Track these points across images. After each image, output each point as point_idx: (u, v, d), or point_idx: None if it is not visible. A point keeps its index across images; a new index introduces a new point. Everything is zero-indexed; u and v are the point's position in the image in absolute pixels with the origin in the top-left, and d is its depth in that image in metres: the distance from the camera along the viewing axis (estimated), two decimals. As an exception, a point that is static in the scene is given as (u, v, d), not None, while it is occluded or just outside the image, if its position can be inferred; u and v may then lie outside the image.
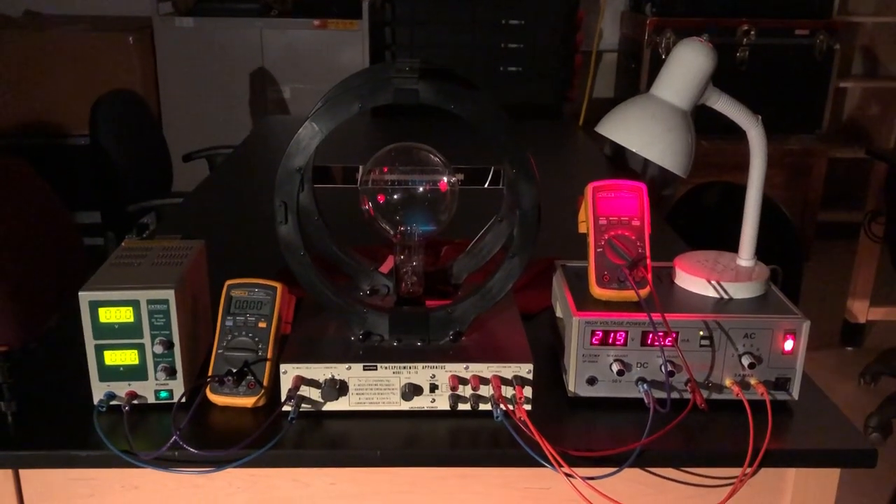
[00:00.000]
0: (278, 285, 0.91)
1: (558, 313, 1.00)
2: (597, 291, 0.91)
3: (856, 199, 3.66)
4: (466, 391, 0.87)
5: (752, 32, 3.32)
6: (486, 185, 1.14)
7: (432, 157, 0.95)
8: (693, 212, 1.63)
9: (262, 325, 0.90)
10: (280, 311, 0.91)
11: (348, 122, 0.87)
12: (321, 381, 0.86)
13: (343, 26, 3.18)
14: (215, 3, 3.19)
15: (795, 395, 0.90)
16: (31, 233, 1.62)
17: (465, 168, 1.06)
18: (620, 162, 1.98)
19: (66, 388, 0.93)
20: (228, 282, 0.92)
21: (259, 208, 1.63)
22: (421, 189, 0.94)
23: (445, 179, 0.94)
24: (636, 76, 3.43)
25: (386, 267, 1.02)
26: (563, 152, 2.33)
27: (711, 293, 0.94)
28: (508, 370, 0.86)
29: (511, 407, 0.85)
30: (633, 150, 0.89)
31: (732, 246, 1.04)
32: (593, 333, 0.88)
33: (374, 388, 0.87)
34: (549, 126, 2.74)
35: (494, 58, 3.24)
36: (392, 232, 0.95)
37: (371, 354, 0.88)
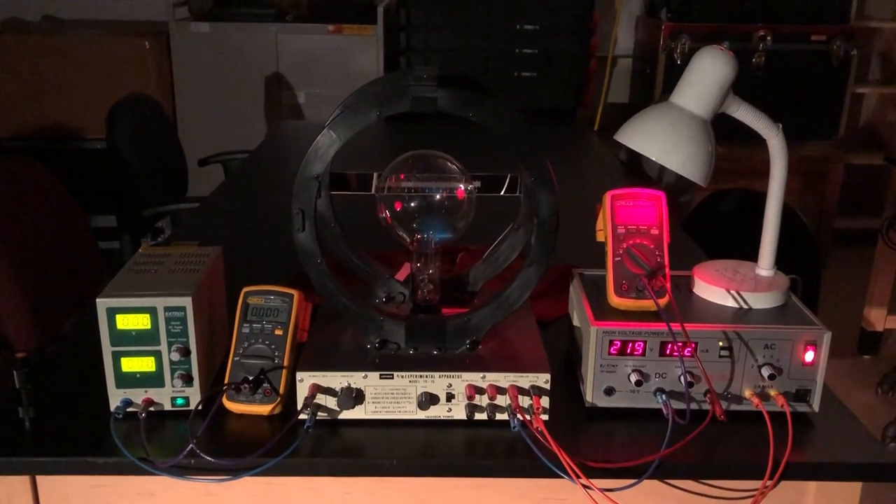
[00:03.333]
0: (295, 292, 0.91)
1: (575, 322, 0.99)
2: (615, 301, 0.91)
3: (873, 205, 3.63)
4: (483, 401, 0.86)
5: (769, 38, 3.30)
6: (502, 193, 1.13)
7: (449, 164, 0.94)
8: (710, 219, 1.62)
9: (279, 332, 0.90)
10: (296, 319, 0.91)
11: (366, 130, 0.86)
12: (337, 389, 0.86)
13: (358, 31, 3.19)
14: (231, 8, 3.20)
15: (816, 407, 0.89)
16: (46, 236, 1.62)
17: (481, 175, 1.06)
18: (636, 168, 1.97)
19: (83, 395, 0.93)
20: (245, 289, 0.92)
21: (275, 214, 1.63)
22: (438, 197, 0.93)
23: (463, 187, 0.93)
24: (651, 82, 3.42)
25: (402, 274, 1.01)
26: (578, 158, 2.32)
27: (731, 303, 0.93)
28: (525, 380, 0.86)
29: (528, 417, 0.84)
30: (653, 160, 0.89)
31: (751, 254, 1.03)
32: (611, 343, 0.88)
33: (390, 396, 0.86)
34: (563, 131, 2.73)
35: (509, 63, 3.24)
36: (409, 239, 0.95)
37: (387, 363, 0.88)
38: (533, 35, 3.23)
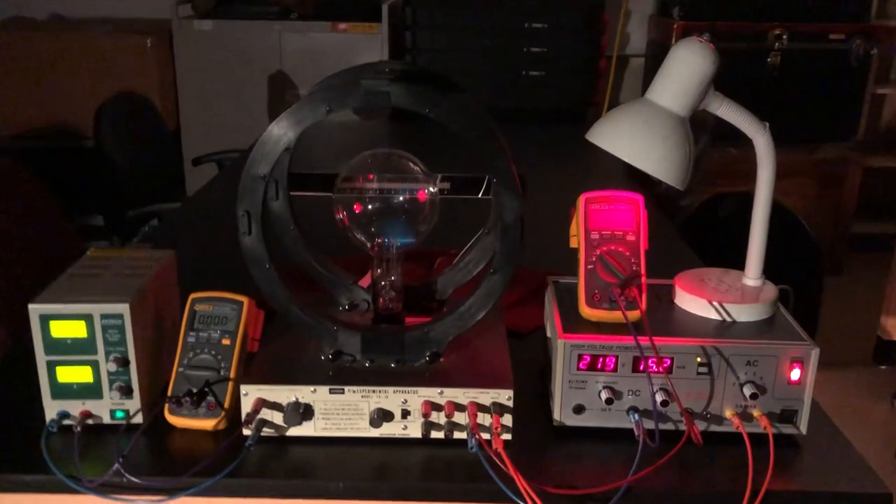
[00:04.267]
0: (245, 299, 0.86)
1: (548, 332, 0.93)
2: (586, 311, 0.84)
3: (893, 210, 3.52)
4: (440, 418, 0.80)
5: (785, 37, 3.21)
6: (479, 195, 1.07)
7: (411, 164, 0.89)
8: (708, 224, 1.55)
9: (226, 341, 0.84)
10: (246, 328, 0.85)
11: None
12: (284, 404, 0.80)
13: (362, 30, 3.14)
14: (234, 6, 3.16)
15: (803, 428, 0.82)
16: (25, 237, 1.58)
17: (457, 177, 1.00)
18: (638, 171, 1.91)
19: (23, 405, 0.87)
20: (192, 295, 0.87)
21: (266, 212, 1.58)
22: (399, 199, 0.87)
23: (424, 189, 0.87)
24: (663, 81, 3.33)
25: (366, 281, 0.96)
26: (584, 159, 2.25)
27: (713, 315, 0.86)
28: (486, 396, 0.80)
29: (488, 436, 0.78)
30: (628, 160, 0.82)
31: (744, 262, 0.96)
32: (580, 357, 0.81)
33: (341, 412, 0.81)
34: (571, 132, 2.66)
35: (517, 62, 3.17)
36: (368, 244, 0.89)
37: (339, 376, 0.82)
38: (541, 34, 3.16)
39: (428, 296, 0.96)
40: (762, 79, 3.21)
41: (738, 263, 1.00)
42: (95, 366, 0.81)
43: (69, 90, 3.10)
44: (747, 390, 0.80)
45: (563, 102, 3.19)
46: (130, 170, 2.06)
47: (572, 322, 0.84)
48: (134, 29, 3.23)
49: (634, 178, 1.96)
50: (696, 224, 1.59)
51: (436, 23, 3.11)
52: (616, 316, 0.84)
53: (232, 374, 0.83)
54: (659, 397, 0.80)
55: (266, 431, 0.80)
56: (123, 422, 0.82)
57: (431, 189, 0.88)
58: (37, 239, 1.63)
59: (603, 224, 0.86)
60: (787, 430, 0.82)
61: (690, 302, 0.88)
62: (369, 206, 0.87)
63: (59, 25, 3.35)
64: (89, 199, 2.20)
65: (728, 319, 0.86)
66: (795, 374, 0.80)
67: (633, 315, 0.82)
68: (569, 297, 0.90)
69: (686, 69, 0.81)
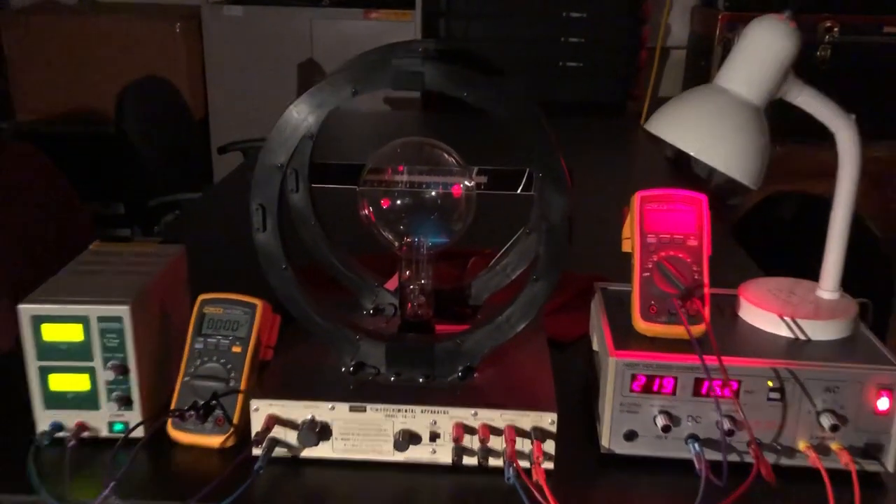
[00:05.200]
0: (259, 302, 0.77)
1: (595, 345, 0.83)
2: (641, 325, 0.75)
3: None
4: (474, 443, 0.71)
5: (836, 30, 3.06)
6: (518, 191, 0.98)
7: (446, 156, 0.79)
8: (764, 226, 1.43)
9: (237, 349, 0.76)
10: (259, 334, 0.77)
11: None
12: (299, 421, 0.71)
13: (395, 17, 3.05)
14: (265, -8, 3.09)
15: (890, 465, 0.72)
16: (38, 226, 1.52)
17: (494, 170, 0.90)
18: (683, 167, 1.80)
19: (15, 414, 0.80)
20: (201, 296, 0.78)
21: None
22: (431, 194, 0.78)
23: (460, 183, 0.78)
24: (706, 74, 3.20)
25: (393, 283, 0.87)
26: (622, 154, 2.14)
27: (784, 332, 0.76)
28: (526, 419, 0.70)
29: (527, 465, 0.69)
30: (691, 155, 0.72)
31: (811, 270, 0.86)
32: (634, 378, 0.72)
33: (362, 433, 0.72)
34: (610, 125, 2.55)
35: (555, 52, 3.06)
36: (396, 243, 0.80)
37: (361, 392, 0.73)
38: (580, 24, 3.05)
39: (461, 301, 0.87)
40: (811, 73, 3.06)
41: (798, 271, 0.89)
42: (92, 373, 0.73)
43: (96, 75, 3.04)
44: (825, 420, 0.70)
45: (601, 95, 3.07)
46: (153, 157, 1.99)
47: (624, 337, 0.75)
48: (163, 14, 3.16)
49: (680, 174, 1.85)
50: (747, 226, 1.48)
51: (471, 10, 3.01)
52: (675, 331, 0.74)
53: (242, 386, 0.75)
54: (724, 426, 0.70)
55: (278, 452, 0.72)
56: (122, 435, 0.74)
57: (467, 183, 0.79)
58: (53, 229, 1.57)
59: (661, 226, 0.77)
60: (871, 466, 0.72)
61: (758, 316, 0.78)
62: (398, 202, 0.78)
63: (88, 9, 3.30)
64: (111, 186, 2.14)
65: (802, 337, 0.76)
66: (883, 404, 0.70)
67: (697, 330, 0.72)
68: (620, 308, 0.80)
69: (763, 51, 0.71)
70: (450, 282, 1.04)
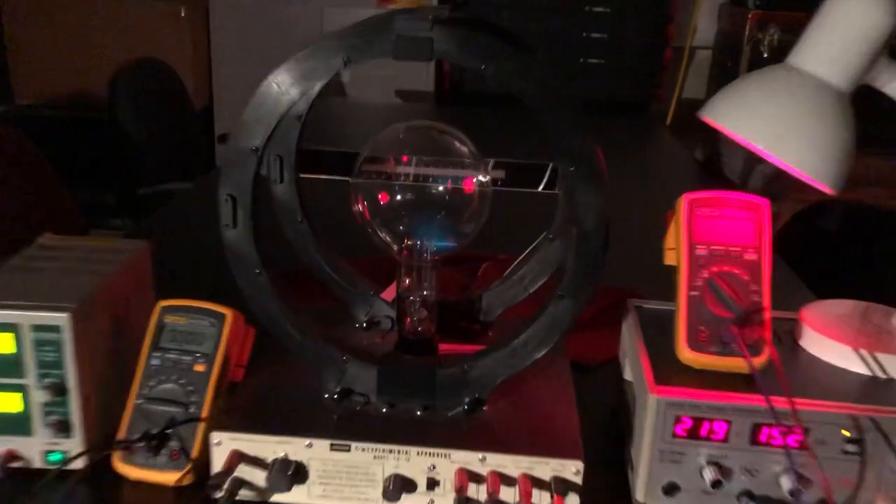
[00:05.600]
0: (228, 312, 0.65)
1: (627, 375, 0.71)
2: (687, 355, 0.62)
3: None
4: (481, 493, 0.58)
5: None
6: (540, 189, 0.85)
7: (458, 144, 0.67)
8: (806, 238, 1.30)
9: (200, 367, 0.63)
10: (227, 350, 0.64)
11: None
12: (269, 460, 0.59)
13: (410, 5, 2.92)
14: (275, -23, 2.97)
15: None
16: (14, 210, 1.40)
17: (514, 164, 0.78)
18: (715, 169, 1.66)
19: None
20: (162, 302, 0.66)
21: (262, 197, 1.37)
22: (439, 188, 0.65)
23: (473, 177, 0.65)
24: (732, 76, 3.05)
25: (390, 293, 0.74)
26: (646, 156, 2.01)
27: (860, 368, 0.63)
28: (545, 467, 0.58)
29: (545, 524, 0.56)
30: (760, 149, 0.59)
31: (864, 288, 0.73)
32: (678, 420, 0.59)
33: (345, 477, 0.59)
34: (631, 126, 2.42)
35: (576, 48, 2.94)
36: (395, 246, 0.67)
37: (346, 426, 0.60)
38: (603, 19, 2.92)
39: (469, 315, 0.74)
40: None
41: (848, 289, 0.77)
42: (25, 392, 0.61)
43: (99, 60, 2.93)
44: (914, 481, 0.57)
45: (623, 94, 2.94)
46: (147, 144, 1.87)
47: (666, 368, 0.62)
48: (168, -3, 3.05)
49: (710, 178, 1.72)
50: (788, 238, 1.34)
51: (490, 3, 2.89)
52: (728, 363, 0.61)
53: (204, 413, 0.62)
54: (788, 482, 0.57)
55: (244, 494, 0.59)
56: (58, 467, 0.62)
57: (481, 178, 0.66)
58: (31, 214, 1.45)
59: (714, 236, 0.64)
60: (967, 538, 0.58)
61: (826, 348, 0.65)
62: (398, 197, 0.65)
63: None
64: (111, 174, 2.03)
65: (882, 376, 0.62)
66: None
67: (757, 362, 0.59)
68: (658, 332, 0.67)
69: (853, 24, 0.58)
70: (457, 292, 0.91)
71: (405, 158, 0.67)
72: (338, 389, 0.63)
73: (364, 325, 0.74)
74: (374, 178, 0.65)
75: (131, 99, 1.83)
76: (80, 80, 2.96)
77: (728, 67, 3.16)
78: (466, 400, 0.62)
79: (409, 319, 0.68)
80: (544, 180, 0.81)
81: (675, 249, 0.65)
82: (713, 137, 1.73)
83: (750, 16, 2.94)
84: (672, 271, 0.66)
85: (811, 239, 1.27)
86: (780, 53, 2.88)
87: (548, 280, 0.72)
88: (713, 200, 0.65)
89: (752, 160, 1.48)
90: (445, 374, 0.62)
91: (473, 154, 0.66)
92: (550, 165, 0.79)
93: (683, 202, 0.65)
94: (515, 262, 0.74)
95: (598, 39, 2.92)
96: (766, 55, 2.91)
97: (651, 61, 2.97)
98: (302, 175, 0.72)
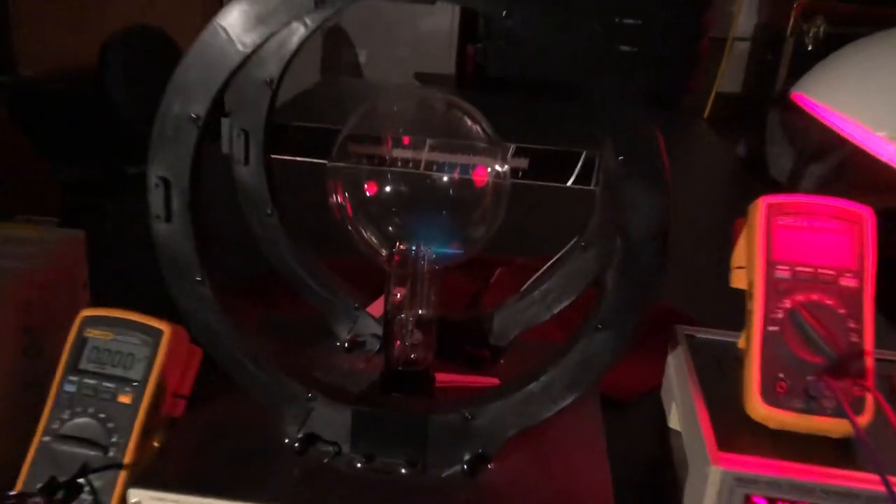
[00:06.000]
0: (166, 328, 0.50)
1: (674, 423, 0.56)
2: (761, 410, 0.47)
3: None
4: (480, 588, 0.44)
5: None
6: (569, 183, 0.70)
7: (469, 123, 0.52)
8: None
9: (125, 399, 0.49)
10: (162, 376, 0.50)
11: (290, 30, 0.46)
12: (203, 530, 0.45)
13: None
14: (292, -51, 2.82)
15: None
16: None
17: (540, 151, 0.63)
18: (758, 167, 1.50)
19: None
20: (84, 312, 0.52)
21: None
22: (443, 179, 0.51)
23: (487, 165, 0.50)
24: (772, 69, 2.89)
25: (379, 307, 0.59)
26: (682, 151, 1.85)
27: None
28: (568, 557, 0.43)
29: None
30: (884, 135, 0.44)
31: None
32: (748, 501, 0.44)
33: (301, 556, 0.45)
34: (664, 118, 2.25)
35: (606, 33, 2.76)
36: (384, 251, 0.52)
37: (307, 487, 0.46)
38: (636, 4, 2.74)
39: (476, 337, 0.60)
40: None
41: None
42: None
43: (107, 33, 2.80)
44: None
45: (655, 84, 2.77)
46: (138, 119, 1.73)
47: (731, 425, 0.47)
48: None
49: (753, 177, 1.56)
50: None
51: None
52: (817, 424, 0.46)
53: (127, 458, 0.48)
54: None
55: (169, 573, 0.45)
56: (-62, 522, 0.48)
57: (499, 167, 0.51)
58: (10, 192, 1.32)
59: (800, 254, 0.48)
60: None
61: (941, 404, 0.50)
62: (389, 188, 0.51)
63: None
64: (97, 150, 1.90)
65: None
66: None
67: (861, 422, 0.44)
68: (717, 372, 0.52)
69: None
70: (462, 305, 0.77)
71: (407, 140, 0.52)
72: (300, 436, 0.48)
73: (346, 345, 0.60)
74: (359, 163, 0.51)
75: (121, 70, 1.69)
76: (86, 54, 2.83)
77: (768, 61, 2.98)
78: (466, 457, 0.47)
79: (398, 343, 0.53)
80: (575, 172, 0.65)
81: (746, 269, 0.50)
82: (757, 132, 1.57)
83: (795, 5, 2.76)
84: (741, 297, 0.51)
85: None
86: (825, 47, 2.69)
87: (577, 298, 0.57)
88: (801, 207, 0.49)
89: (805, 157, 1.32)
90: (441, 422, 0.47)
91: (490, 136, 0.51)
92: (584, 154, 0.63)
93: (760, 208, 0.50)
94: (538, 274, 0.59)
95: (630, 25, 2.75)
96: (810, 48, 2.73)
97: (686, 52, 2.80)
98: (274, 156, 0.58)
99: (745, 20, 3.25)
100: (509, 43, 2.72)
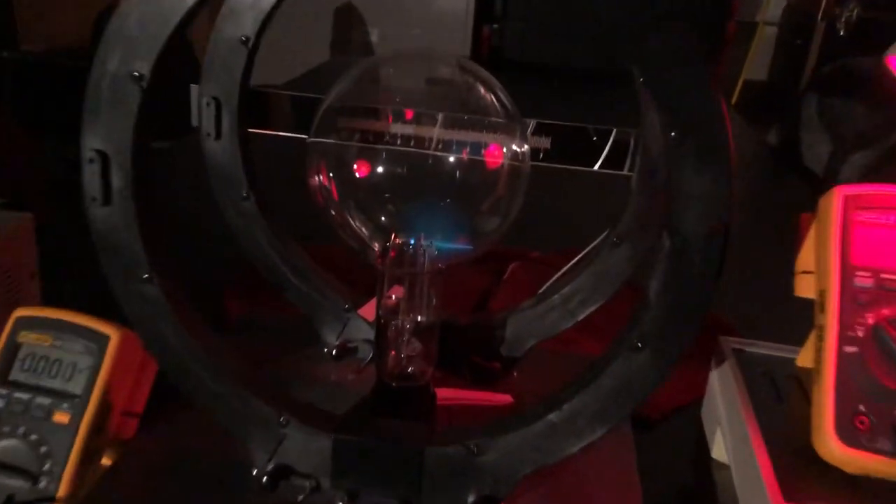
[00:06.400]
0: (114, 332, 0.42)
1: (719, 453, 0.47)
2: (836, 450, 0.38)
3: None
4: None
5: None
6: (596, 167, 0.62)
7: (482, 90, 0.43)
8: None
9: (62, 417, 0.41)
10: (107, 391, 0.42)
11: None
12: (145, 585, 0.36)
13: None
14: (303, -77, 2.72)
15: None
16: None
17: (564, 127, 0.55)
18: (791, 156, 1.41)
19: None
20: (18, 311, 0.43)
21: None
22: (450, 160, 0.42)
23: (503, 144, 0.42)
24: (801, 55, 2.77)
25: (371, 309, 0.51)
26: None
27: None
28: None
29: None
30: None
31: None
32: (821, 566, 0.35)
33: None
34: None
35: (626, 13, 2.66)
36: (376, 245, 0.44)
37: (275, 532, 0.38)
38: (660, -16, 2.63)
39: (486, 345, 0.51)
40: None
41: None
42: None
43: (103, 6, 2.72)
44: None
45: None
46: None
47: (797, 468, 0.38)
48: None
49: (786, 167, 1.45)
50: None
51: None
52: (905, 471, 0.37)
53: (62, 490, 0.40)
54: None
55: None
56: None
57: (516, 147, 0.42)
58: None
59: (884, 258, 0.39)
60: None
61: None
62: (383, 169, 0.42)
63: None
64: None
65: None
66: None
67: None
68: (772, 395, 0.44)
69: None
70: (469, 306, 0.68)
71: (410, 115, 0.43)
72: (270, 467, 0.40)
73: (334, 351, 0.51)
74: (347, 139, 0.42)
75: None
76: (88, 28, 2.76)
77: (797, 46, 2.86)
78: (471, 499, 0.39)
79: (391, 355, 0.45)
80: (604, 153, 0.57)
81: (816, 275, 0.41)
82: (791, 119, 1.48)
83: (826, -11, 2.65)
84: (806, 304, 0.42)
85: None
86: (858, 32, 2.54)
87: (607, 303, 0.48)
88: (885, 200, 0.40)
89: (847, 146, 1.23)
90: (441, 456, 0.39)
91: (508, 109, 0.42)
92: (614, 132, 0.55)
93: (834, 201, 0.41)
94: (560, 273, 0.51)
95: (653, 2, 2.64)
96: (842, 33, 2.61)
97: (712, 35, 2.68)
98: (251, 130, 0.49)
99: (774, 3, 3.13)
100: (527, 23, 2.63)
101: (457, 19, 2.74)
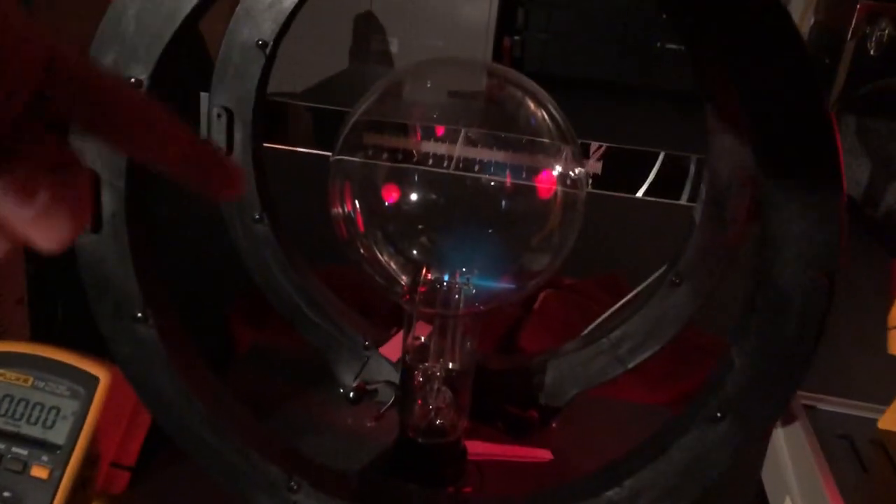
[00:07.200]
0: (104, 373, 0.37)
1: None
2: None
3: None
4: None
5: None
6: (640, 194, 0.57)
7: (532, 107, 0.37)
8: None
9: (41, 472, 0.36)
10: (94, 442, 0.36)
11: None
12: None
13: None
14: (325, -71, 2.69)
15: None
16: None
17: (622, 151, 0.50)
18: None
19: None
20: (-4, 346, 0.38)
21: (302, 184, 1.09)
22: (494, 186, 0.36)
23: (554, 169, 0.36)
24: (830, 74, 2.70)
25: (395, 347, 0.45)
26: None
27: None
28: None
29: None
30: None
31: None
32: None
33: None
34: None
35: (650, 31, 2.61)
36: (404, 280, 0.38)
37: None
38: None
39: (522, 392, 0.45)
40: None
41: None
42: None
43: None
44: None
45: (704, 85, 2.61)
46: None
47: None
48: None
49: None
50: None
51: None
52: None
53: (36, 558, 0.35)
54: None
55: None
56: None
57: (570, 172, 0.37)
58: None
59: None
60: None
61: None
62: (416, 196, 0.36)
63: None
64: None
65: None
66: None
67: None
68: (858, 465, 0.38)
69: None
70: (493, 339, 0.63)
71: (441, 131, 0.38)
72: (277, 538, 0.34)
73: (350, 396, 0.46)
74: (374, 159, 0.36)
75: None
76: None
77: (825, 64, 2.80)
78: (511, 584, 0.33)
79: (418, 405, 0.39)
80: (649, 178, 0.51)
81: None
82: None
83: (858, 7, 2.58)
84: (871, 358, 0.37)
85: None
86: (890, 51, 2.47)
87: (661, 349, 0.43)
88: None
89: (892, 168, 1.17)
90: (475, 532, 0.33)
91: (561, 127, 0.37)
92: (662, 155, 0.49)
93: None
94: (608, 312, 0.45)
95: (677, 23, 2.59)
96: (872, 52, 2.54)
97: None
98: (266, 144, 0.44)
99: (800, 19, 3.07)
100: (549, 35, 2.58)
101: (478, 29, 2.70)
